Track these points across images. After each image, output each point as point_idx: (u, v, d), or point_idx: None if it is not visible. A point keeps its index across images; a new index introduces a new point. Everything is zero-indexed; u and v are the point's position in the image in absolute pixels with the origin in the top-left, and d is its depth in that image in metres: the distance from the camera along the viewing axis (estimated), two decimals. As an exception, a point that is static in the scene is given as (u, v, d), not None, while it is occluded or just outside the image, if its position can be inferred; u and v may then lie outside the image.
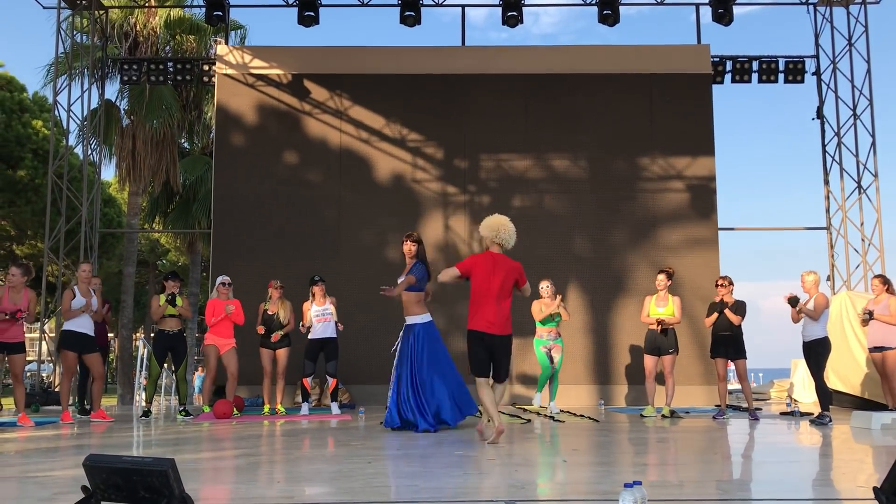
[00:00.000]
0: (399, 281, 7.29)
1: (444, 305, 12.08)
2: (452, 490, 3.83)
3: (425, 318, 7.33)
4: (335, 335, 9.43)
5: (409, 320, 7.32)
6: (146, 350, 11.43)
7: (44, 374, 15.78)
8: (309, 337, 9.44)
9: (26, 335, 8.60)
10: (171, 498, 2.85)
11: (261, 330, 9.45)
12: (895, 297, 8.62)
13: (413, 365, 7.22)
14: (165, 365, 10.23)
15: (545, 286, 9.70)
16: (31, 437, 6.99)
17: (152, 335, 13.20)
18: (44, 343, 13.34)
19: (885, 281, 8.86)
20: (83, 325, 8.59)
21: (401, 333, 7.42)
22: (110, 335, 19.71)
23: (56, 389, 12.42)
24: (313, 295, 9.50)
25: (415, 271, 7.20)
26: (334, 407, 9.49)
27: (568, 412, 9.67)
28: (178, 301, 9.11)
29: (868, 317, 8.52)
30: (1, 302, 7.93)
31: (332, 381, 9.51)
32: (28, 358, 11.33)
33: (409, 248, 7.33)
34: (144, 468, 2.89)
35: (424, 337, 7.24)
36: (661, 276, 9.10)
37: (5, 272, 20.16)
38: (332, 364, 9.41)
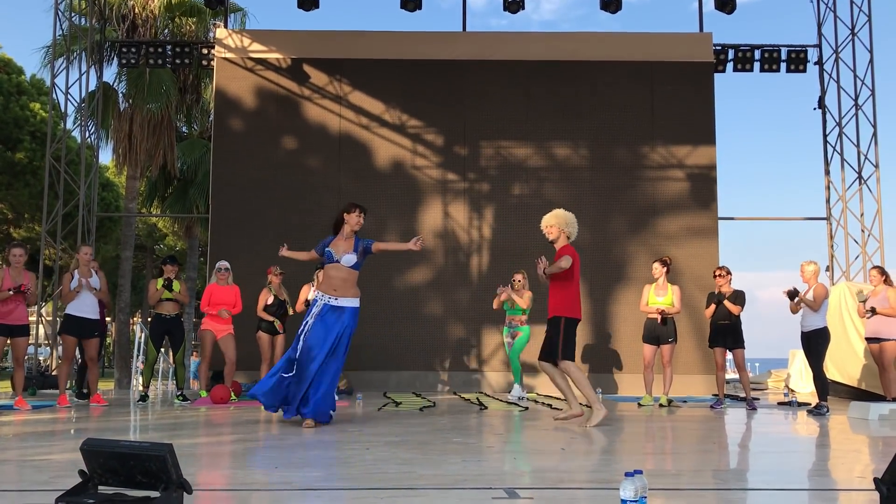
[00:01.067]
0: (342, 257, 6.48)
1: (442, 291, 12.08)
2: (451, 477, 3.83)
3: (357, 302, 6.57)
4: None
5: (343, 302, 6.43)
6: (143, 334, 11.41)
7: (40, 358, 15.75)
8: None
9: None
10: (168, 483, 2.84)
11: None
12: (893, 289, 8.63)
13: (336, 349, 6.43)
14: (162, 349, 10.21)
15: (519, 279, 9.88)
16: (27, 420, 6.99)
17: (149, 319, 13.17)
18: (40, 326, 13.32)
19: (882, 272, 8.87)
20: (85, 308, 8.58)
21: (320, 311, 6.43)
22: (107, 319, 19.68)
23: (53, 373, 12.42)
24: (317, 278, 9.47)
25: (362, 246, 6.57)
26: None
27: (566, 400, 9.65)
28: (175, 286, 9.08)
29: (871, 313, 8.50)
30: (3, 282, 7.91)
31: None
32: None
33: (360, 220, 6.60)
34: (142, 453, 2.87)
35: (353, 324, 6.51)
36: (657, 265, 9.10)
37: (2, 254, 20.10)
38: None
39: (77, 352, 9.05)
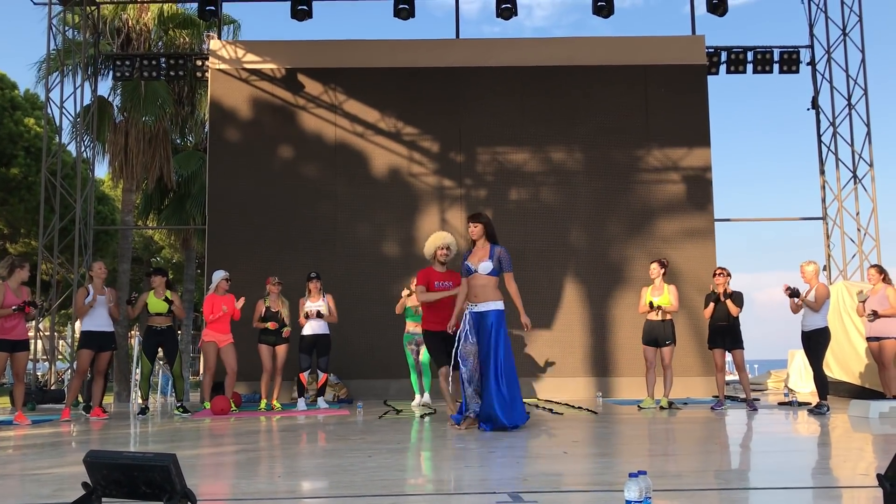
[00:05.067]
0: (478, 266, 6.72)
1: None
2: (455, 483, 3.82)
3: (500, 304, 6.66)
4: (328, 331, 9.49)
5: (483, 307, 6.61)
6: (139, 348, 11.41)
7: (38, 373, 15.71)
8: (302, 332, 9.46)
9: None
10: (172, 493, 2.83)
11: (273, 325, 9.41)
12: (892, 287, 8.63)
13: (491, 352, 6.53)
14: (159, 362, 10.21)
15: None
16: (28, 434, 6.96)
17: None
18: (39, 341, 13.28)
19: (881, 270, 8.87)
20: (101, 322, 8.67)
21: (467, 321, 6.63)
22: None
23: (52, 388, 12.39)
24: (309, 291, 9.53)
25: (497, 253, 6.79)
26: (321, 402, 9.54)
27: (566, 404, 9.67)
28: (159, 305, 9.02)
29: (873, 317, 8.49)
30: (4, 298, 7.91)
31: (322, 376, 9.54)
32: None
33: (471, 229, 6.95)
34: (146, 464, 2.86)
35: (500, 324, 6.59)
36: (654, 265, 9.13)
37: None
38: (324, 360, 9.45)
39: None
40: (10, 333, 7.95)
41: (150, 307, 9.03)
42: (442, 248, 7.51)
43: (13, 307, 7.87)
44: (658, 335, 8.95)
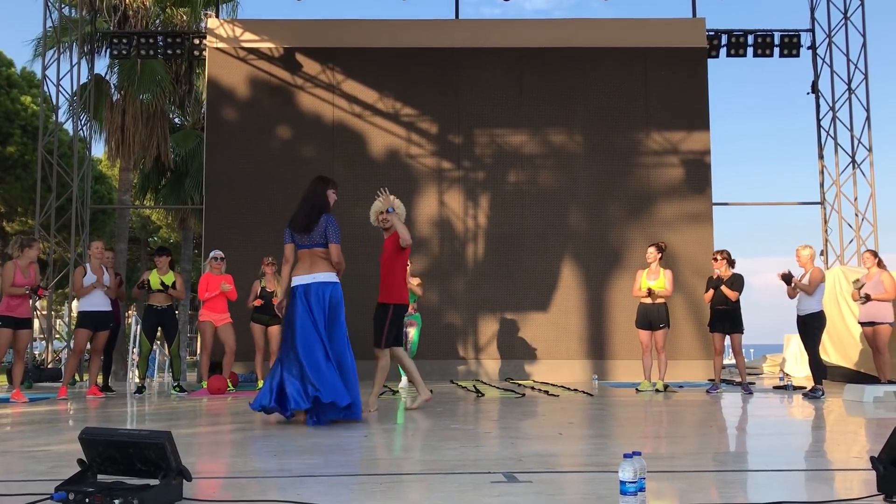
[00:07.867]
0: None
1: (437, 280, 12.08)
2: (450, 462, 3.83)
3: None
4: None
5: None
6: (138, 327, 11.42)
7: (36, 352, 15.75)
8: None
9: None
10: (167, 470, 2.84)
11: (258, 302, 9.39)
12: (887, 273, 8.67)
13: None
14: (157, 341, 10.22)
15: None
16: (25, 412, 6.98)
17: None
18: (36, 320, 13.26)
19: (875, 255, 8.93)
20: (97, 302, 8.66)
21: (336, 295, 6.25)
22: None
23: (49, 366, 12.41)
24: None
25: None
26: None
27: (562, 386, 9.70)
28: (168, 278, 9.05)
29: (866, 299, 8.54)
30: (14, 277, 7.94)
31: None
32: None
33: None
34: (141, 441, 2.87)
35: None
36: (652, 249, 9.12)
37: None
38: None
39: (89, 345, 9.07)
40: (15, 311, 8.00)
41: (150, 286, 9.05)
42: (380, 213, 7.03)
43: (25, 288, 7.90)
44: (652, 318, 8.96)
